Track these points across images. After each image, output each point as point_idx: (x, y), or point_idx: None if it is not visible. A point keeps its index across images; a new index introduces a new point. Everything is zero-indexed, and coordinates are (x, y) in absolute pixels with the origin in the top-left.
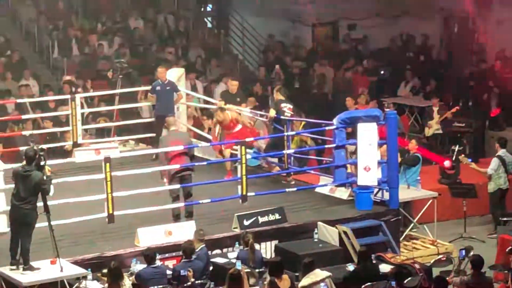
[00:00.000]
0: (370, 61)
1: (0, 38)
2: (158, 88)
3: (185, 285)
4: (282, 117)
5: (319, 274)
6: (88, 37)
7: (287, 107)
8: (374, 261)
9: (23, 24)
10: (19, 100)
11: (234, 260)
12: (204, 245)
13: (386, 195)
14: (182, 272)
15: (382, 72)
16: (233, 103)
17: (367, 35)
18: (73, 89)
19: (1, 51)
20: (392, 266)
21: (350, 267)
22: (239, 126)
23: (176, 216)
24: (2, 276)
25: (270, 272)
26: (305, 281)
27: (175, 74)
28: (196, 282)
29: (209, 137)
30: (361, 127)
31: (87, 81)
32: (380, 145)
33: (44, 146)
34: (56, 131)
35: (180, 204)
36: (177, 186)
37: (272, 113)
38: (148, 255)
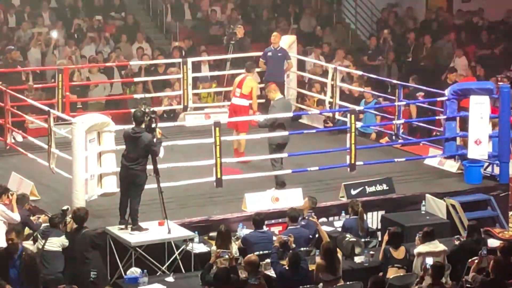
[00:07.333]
0: (484, 35)
1: (115, 1)
2: (269, 54)
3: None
4: None
5: (438, 245)
6: (201, 2)
7: None
8: (482, 236)
9: None
10: (132, 62)
11: (339, 229)
12: (313, 213)
13: (496, 170)
14: (284, 238)
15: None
16: None
17: (482, 8)
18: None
19: (115, 14)
20: (500, 241)
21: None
22: None
23: (280, 184)
24: (110, 235)
25: (389, 241)
26: (423, 248)
27: (286, 41)
28: (302, 249)
29: None
30: (473, 99)
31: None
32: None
33: (156, 109)
34: (166, 95)
35: (287, 171)
36: (285, 155)
37: None
38: (257, 220)
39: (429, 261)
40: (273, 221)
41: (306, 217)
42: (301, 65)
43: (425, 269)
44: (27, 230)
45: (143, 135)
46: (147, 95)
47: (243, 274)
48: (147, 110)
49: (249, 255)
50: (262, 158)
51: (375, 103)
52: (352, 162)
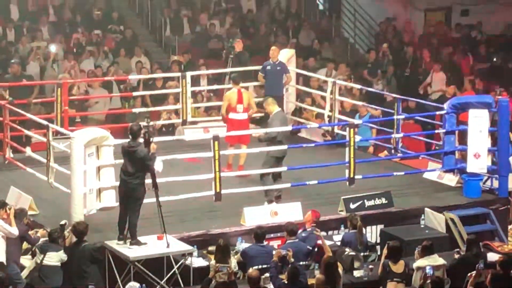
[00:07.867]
0: (483, 48)
1: (114, 15)
2: (268, 67)
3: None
4: None
5: (437, 259)
6: (200, 16)
7: None
8: (482, 250)
9: (136, 2)
10: (131, 77)
11: (339, 243)
12: (314, 226)
13: (496, 183)
14: (283, 253)
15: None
16: None
17: (480, 21)
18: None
19: (114, 28)
20: (499, 255)
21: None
22: None
23: (276, 197)
24: (109, 249)
25: (388, 255)
26: (422, 262)
27: (285, 55)
28: (301, 263)
29: None
30: (472, 113)
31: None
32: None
33: (158, 123)
34: (165, 109)
35: (286, 185)
36: (284, 168)
37: None
38: (259, 233)
39: (429, 269)
40: (272, 235)
41: (308, 230)
42: (306, 80)
43: (425, 277)
44: (25, 245)
45: (138, 149)
46: (144, 109)
47: None
48: (151, 123)
49: (250, 271)
50: (261, 172)
51: (369, 117)
52: (351, 176)
